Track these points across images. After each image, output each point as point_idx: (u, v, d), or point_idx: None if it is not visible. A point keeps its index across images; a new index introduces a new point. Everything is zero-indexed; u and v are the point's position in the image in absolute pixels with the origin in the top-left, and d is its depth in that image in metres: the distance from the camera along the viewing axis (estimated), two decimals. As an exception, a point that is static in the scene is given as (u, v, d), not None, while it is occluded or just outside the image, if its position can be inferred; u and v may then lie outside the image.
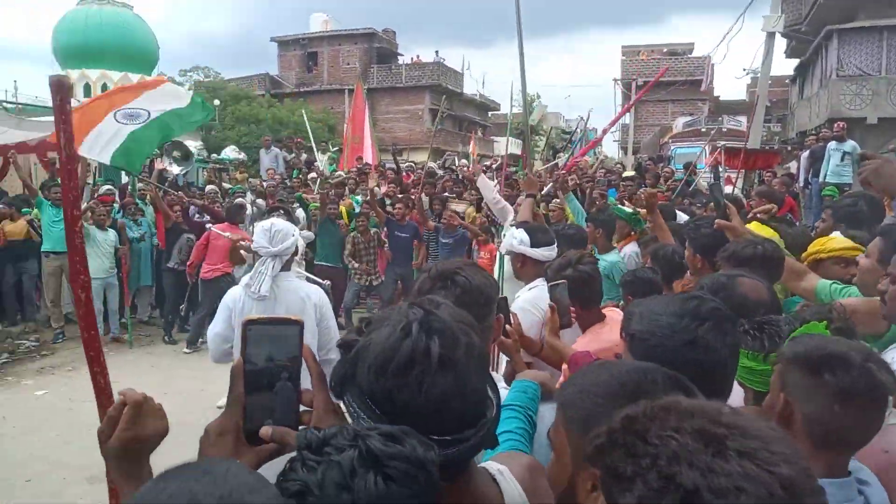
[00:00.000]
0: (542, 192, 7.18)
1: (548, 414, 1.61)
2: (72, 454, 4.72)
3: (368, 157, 14.24)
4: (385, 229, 9.00)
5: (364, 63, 36.15)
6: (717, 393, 1.50)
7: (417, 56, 38.46)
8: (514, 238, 3.34)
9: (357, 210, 9.34)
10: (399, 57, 39.21)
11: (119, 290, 8.42)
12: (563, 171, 8.15)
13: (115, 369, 6.65)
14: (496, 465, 1.15)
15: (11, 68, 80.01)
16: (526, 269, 3.32)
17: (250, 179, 12.25)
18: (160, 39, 26.34)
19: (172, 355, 7.94)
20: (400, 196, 9.92)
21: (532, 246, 3.27)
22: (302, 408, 1.04)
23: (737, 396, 1.73)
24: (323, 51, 37.27)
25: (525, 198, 4.88)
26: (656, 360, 1.13)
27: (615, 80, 30.85)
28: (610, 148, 40.92)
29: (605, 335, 2.65)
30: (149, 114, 6.65)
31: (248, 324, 1.00)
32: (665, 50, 35.40)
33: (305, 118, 16.50)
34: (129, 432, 1.09)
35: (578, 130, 38.31)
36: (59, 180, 9.01)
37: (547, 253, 3.24)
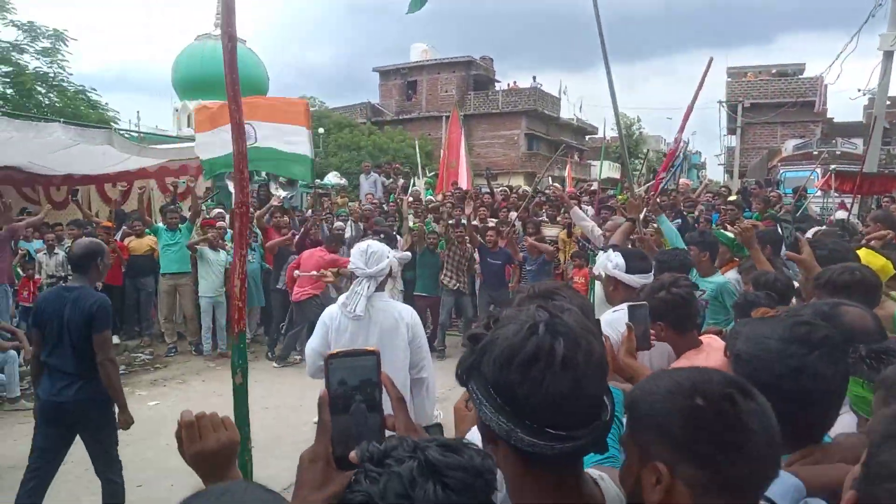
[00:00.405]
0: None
1: None
2: (180, 462, 4.93)
3: (464, 182, 14.41)
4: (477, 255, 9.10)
5: (461, 90, 36.73)
6: (820, 420, 1.44)
7: (514, 82, 38.74)
8: (610, 261, 3.30)
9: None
10: (496, 83, 39.61)
11: (227, 308, 8.89)
12: (652, 193, 7.97)
13: (220, 382, 6.97)
14: (597, 472, 1.20)
15: (135, 99, 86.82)
16: (618, 293, 3.27)
17: (349, 204, 12.64)
18: (269, 70, 27.83)
19: (274, 371, 8.28)
20: (493, 223, 9.97)
21: (627, 272, 3.22)
22: (387, 432, 1.09)
23: (845, 424, 1.65)
24: (422, 79, 38.19)
25: (624, 221, 4.79)
26: (759, 384, 1.12)
27: (720, 102, 29.84)
28: (715, 172, 39.47)
29: (700, 362, 2.56)
30: (255, 138, 6.74)
31: (329, 358, 1.08)
32: (774, 70, 33.91)
33: (417, 148, 16.91)
34: (193, 448, 1.19)
35: (680, 154, 37.31)
36: (174, 204, 9.70)
37: (641, 280, 3.19)
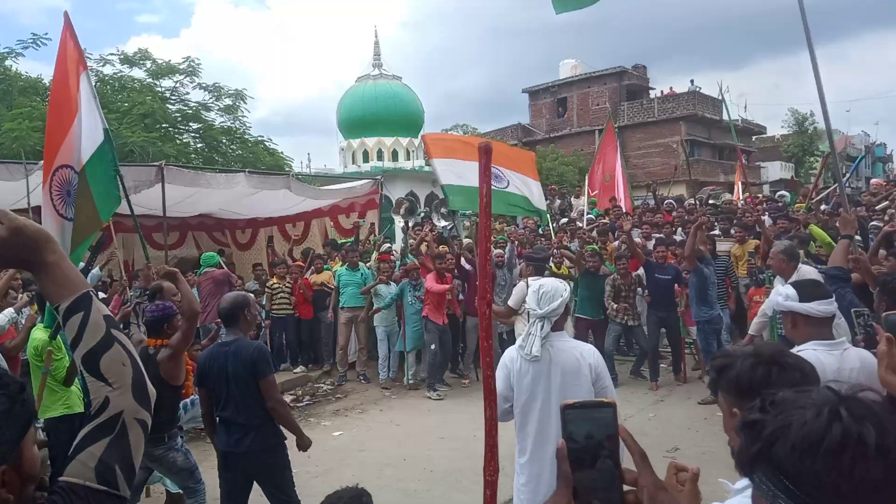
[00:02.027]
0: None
1: None
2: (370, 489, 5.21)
3: (621, 196, 14.01)
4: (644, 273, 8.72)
5: (614, 102, 35.93)
6: None
7: (671, 88, 37.25)
8: (779, 295, 2.99)
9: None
10: (650, 91, 38.33)
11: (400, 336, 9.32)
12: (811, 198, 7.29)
13: (395, 411, 7.23)
14: None
15: (302, 140, 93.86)
16: (799, 329, 2.90)
17: (505, 228, 12.73)
18: (422, 102, 28.89)
19: (449, 400, 8.45)
20: (658, 236, 9.59)
21: (801, 301, 2.89)
22: (626, 487, 1.07)
23: None
24: (572, 95, 37.84)
25: (840, 239, 4.39)
26: None
27: (909, 86, 26.77)
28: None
29: None
30: (508, 183, 7.14)
31: (566, 408, 1.07)
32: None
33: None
34: None
35: (863, 147, 33.77)
36: (351, 242, 10.36)
37: (822, 307, 2.81)
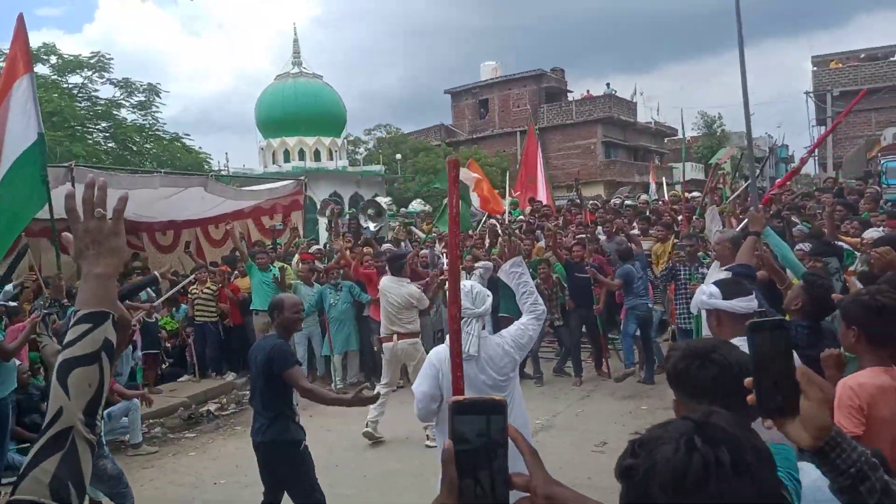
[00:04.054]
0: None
1: (811, 471, 1.51)
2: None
3: (542, 196, 14.31)
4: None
5: (534, 104, 36.64)
6: None
7: (588, 91, 38.27)
8: (703, 294, 3.09)
9: None
10: (569, 94, 39.29)
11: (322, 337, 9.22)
12: (760, 206, 7.63)
13: (325, 416, 7.02)
14: None
15: (219, 138, 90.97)
16: (723, 327, 2.99)
17: (434, 228, 12.76)
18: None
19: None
20: (580, 235, 9.80)
21: (724, 298, 3.00)
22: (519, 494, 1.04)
23: None
24: (493, 97, 38.36)
25: (747, 236, 4.55)
26: None
27: (807, 92, 28.53)
28: (806, 165, 37.63)
29: (883, 382, 2.42)
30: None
31: (456, 408, 1.01)
32: (862, 55, 32.12)
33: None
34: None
35: (766, 148, 35.69)
36: (263, 244, 10.11)
37: (744, 304, 2.91)
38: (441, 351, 3.44)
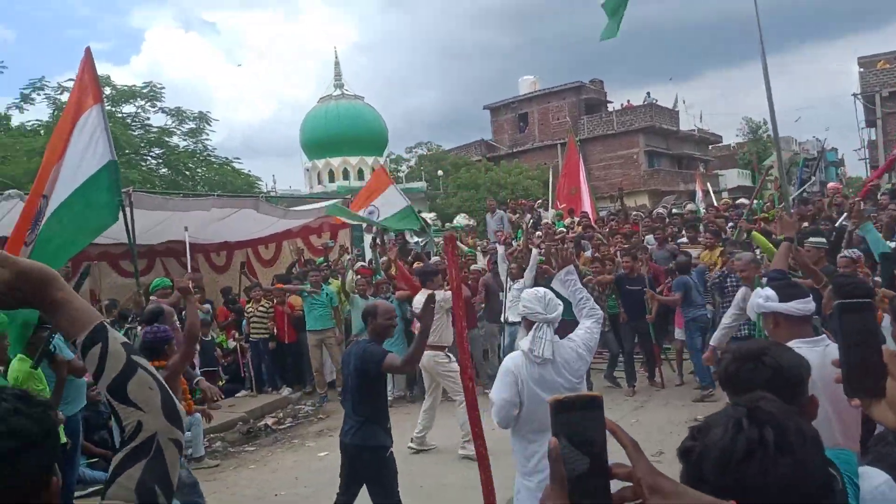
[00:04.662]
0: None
1: (875, 475, 1.52)
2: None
3: (587, 208, 14.25)
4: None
5: (573, 116, 36.54)
6: None
7: (628, 101, 38.04)
8: (759, 297, 3.07)
9: None
10: (609, 104, 39.09)
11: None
12: (857, 199, 7.52)
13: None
14: None
15: (263, 161, 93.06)
16: (780, 329, 2.95)
17: (478, 242, 12.84)
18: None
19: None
20: (626, 246, 9.76)
21: (781, 301, 2.99)
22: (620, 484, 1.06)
23: None
24: (533, 110, 38.39)
25: (783, 241, 4.52)
26: None
27: (854, 94, 27.80)
28: (855, 167, 36.62)
29: None
30: (378, 214, 7.60)
31: (557, 406, 1.03)
32: (912, 53, 31.17)
33: (550, 177, 16.88)
34: None
35: (815, 152, 34.82)
36: (314, 262, 10.33)
37: (802, 306, 2.87)
38: (517, 357, 3.50)
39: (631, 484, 1.04)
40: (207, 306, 9.63)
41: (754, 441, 1.03)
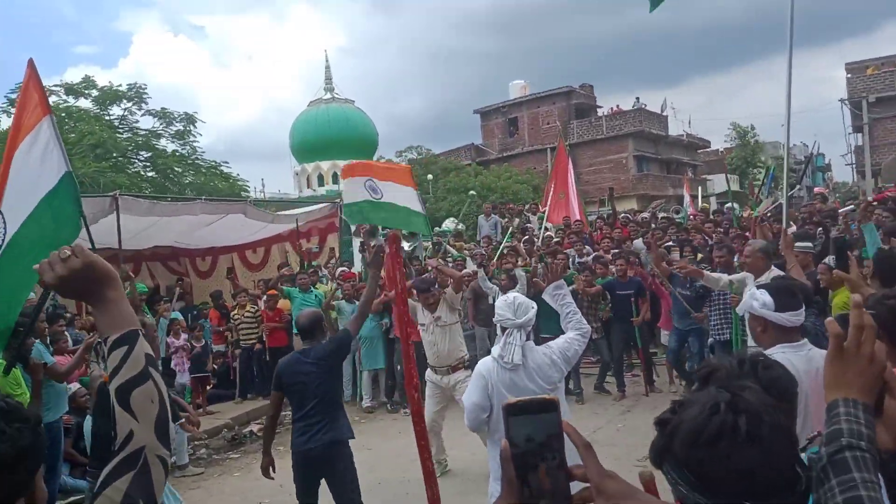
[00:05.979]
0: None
1: None
2: None
3: (575, 213, 14.22)
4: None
5: (563, 121, 36.62)
6: None
7: (617, 105, 38.20)
8: (755, 300, 3.08)
9: None
10: (598, 109, 39.22)
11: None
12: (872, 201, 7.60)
13: (366, 434, 7.14)
14: None
15: (252, 165, 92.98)
16: (767, 335, 3.02)
17: (465, 246, 12.80)
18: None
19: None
20: (616, 251, 9.78)
21: (776, 310, 3.00)
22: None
23: None
24: (523, 115, 38.45)
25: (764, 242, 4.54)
26: None
27: (841, 100, 28.05)
28: (841, 173, 36.88)
29: None
30: (381, 193, 7.14)
31: (509, 410, 1.03)
32: (899, 59, 31.48)
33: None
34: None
35: (802, 157, 35.07)
36: (305, 267, 10.23)
37: (793, 318, 2.92)
38: (488, 362, 3.53)
39: (589, 485, 1.05)
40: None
41: (727, 426, 1.07)
